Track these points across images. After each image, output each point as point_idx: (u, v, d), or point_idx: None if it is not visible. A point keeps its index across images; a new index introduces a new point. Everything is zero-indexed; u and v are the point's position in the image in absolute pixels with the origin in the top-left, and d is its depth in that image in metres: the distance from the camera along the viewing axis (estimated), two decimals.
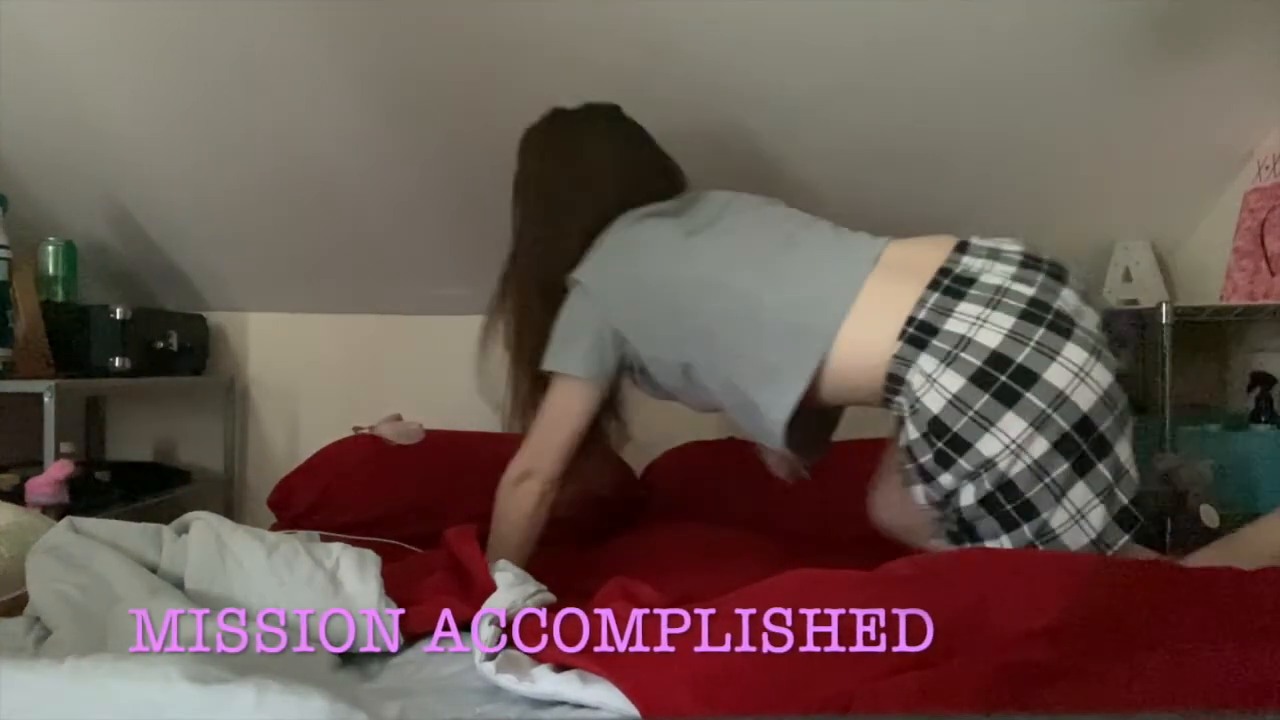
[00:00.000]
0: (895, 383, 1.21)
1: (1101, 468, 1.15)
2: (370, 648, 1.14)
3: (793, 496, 1.80)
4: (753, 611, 1.01)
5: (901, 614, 0.94)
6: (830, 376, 1.26)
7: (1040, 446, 1.13)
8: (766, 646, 0.92)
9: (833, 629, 0.93)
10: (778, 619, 0.98)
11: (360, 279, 2.39)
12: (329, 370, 2.50)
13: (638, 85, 1.79)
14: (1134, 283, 2.16)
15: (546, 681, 0.96)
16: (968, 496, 1.18)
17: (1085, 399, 1.13)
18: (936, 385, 1.16)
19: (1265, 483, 1.77)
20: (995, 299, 1.18)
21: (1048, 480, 1.14)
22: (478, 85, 1.83)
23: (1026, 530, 1.17)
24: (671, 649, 0.95)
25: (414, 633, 1.17)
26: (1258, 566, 1.05)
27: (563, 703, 0.96)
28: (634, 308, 1.41)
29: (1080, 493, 1.15)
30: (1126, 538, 1.16)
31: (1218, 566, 1.12)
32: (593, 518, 1.98)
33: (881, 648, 0.90)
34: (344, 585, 1.15)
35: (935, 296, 1.20)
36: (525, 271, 1.52)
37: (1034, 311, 1.16)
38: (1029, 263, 1.22)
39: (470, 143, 1.95)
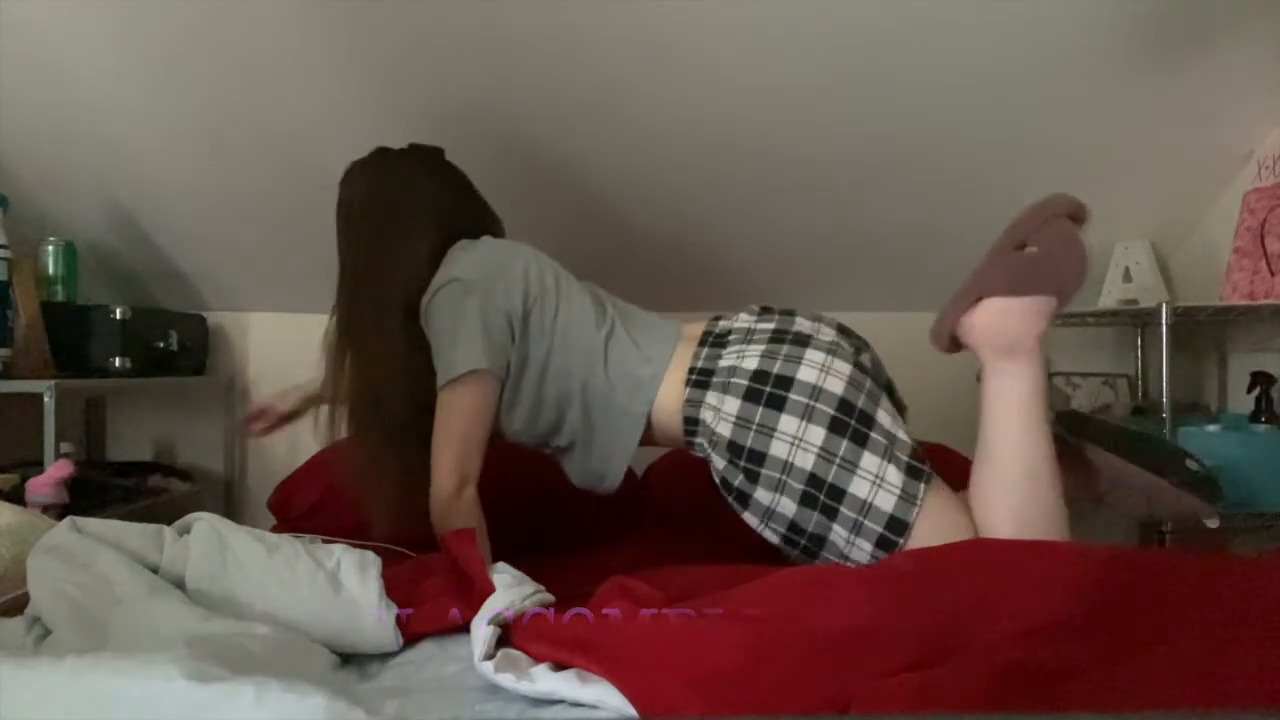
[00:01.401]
0: (691, 425, 1.40)
1: (875, 435, 1.30)
2: (370, 648, 1.14)
3: None
4: (752, 610, 1.01)
5: (902, 613, 0.94)
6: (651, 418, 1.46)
7: (817, 434, 1.29)
8: (766, 646, 0.92)
9: (832, 627, 0.93)
10: (778, 618, 0.98)
11: None
12: None
13: (638, 84, 1.80)
14: (1134, 283, 2.16)
15: (545, 680, 0.96)
16: (789, 506, 1.31)
17: (835, 385, 1.31)
18: (722, 413, 1.34)
19: (1265, 483, 1.77)
20: (746, 338, 1.40)
21: (838, 460, 1.28)
22: (477, 86, 1.83)
23: (846, 510, 1.28)
24: (670, 648, 0.95)
25: (414, 633, 1.17)
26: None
27: (561, 701, 0.96)
28: (513, 296, 1.47)
29: (869, 460, 1.28)
30: (924, 485, 1.28)
31: (1218, 565, 1.12)
32: (593, 518, 1.98)
33: (882, 647, 0.90)
34: (345, 586, 1.16)
35: (705, 350, 1.43)
36: (382, 290, 1.52)
37: (778, 335, 1.38)
38: (764, 311, 1.46)
39: (470, 143, 1.95)
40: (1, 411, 2.00)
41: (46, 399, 1.81)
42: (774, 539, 1.37)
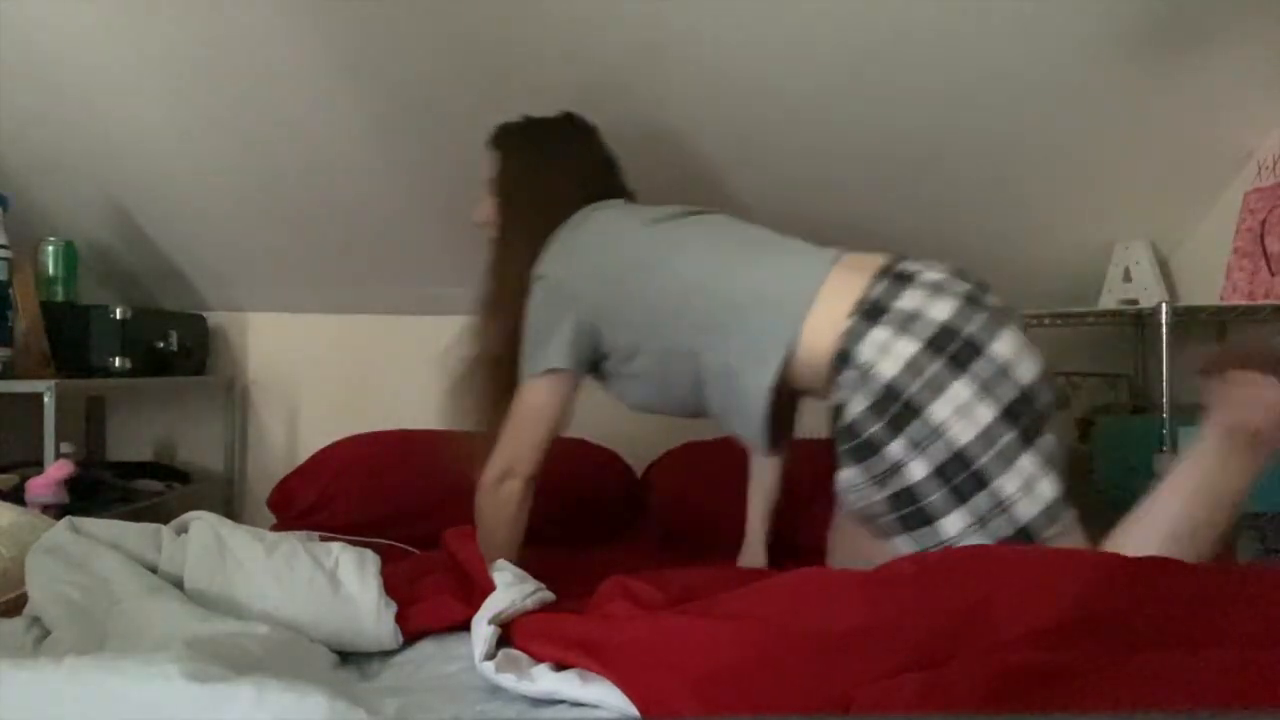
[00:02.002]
0: (842, 360, 1.26)
1: (1043, 441, 1.20)
2: (370, 647, 1.14)
3: (791, 497, 1.79)
4: (752, 611, 1.01)
5: (903, 614, 0.94)
6: (795, 358, 1.31)
7: (987, 413, 1.18)
8: (767, 646, 0.92)
9: (833, 628, 0.93)
10: (778, 618, 0.98)
11: (360, 279, 2.39)
12: (329, 370, 2.50)
13: (637, 84, 1.80)
14: (1134, 283, 2.16)
15: (546, 680, 0.96)
16: (919, 471, 1.20)
17: (1027, 373, 1.20)
18: (891, 352, 1.21)
19: (1264, 483, 1.77)
20: (936, 290, 1.26)
21: (997, 447, 1.18)
22: (477, 85, 1.83)
23: (980, 501, 1.18)
24: (672, 648, 0.95)
25: (413, 632, 1.17)
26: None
27: (562, 701, 0.96)
28: (605, 295, 1.43)
29: (1028, 462, 1.18)
30: (1070, 512, 1.20)
31: (1218, 566, 1.12)
32: (593, 518, 1.98)
33: (882, 648, 0.90)
34: (343, 585, 1.16)
35: (883, 284, 1.28)
36: (514, 268, 1.52)
37: (974, 300, 1.25)
38: (955, 270, 1.31)
39: (470, 143, 1.95)
40: (1, 411, 2.00)
41: (46, 399, 1.80)
42: (864, 501, 1.26)
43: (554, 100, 1.85)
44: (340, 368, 2.50)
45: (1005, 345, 1.20)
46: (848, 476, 1.27)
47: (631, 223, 1.49)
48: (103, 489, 2.11)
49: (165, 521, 1.26)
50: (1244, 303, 1.90)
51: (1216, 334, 2.18)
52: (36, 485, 1.72)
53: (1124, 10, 1.66)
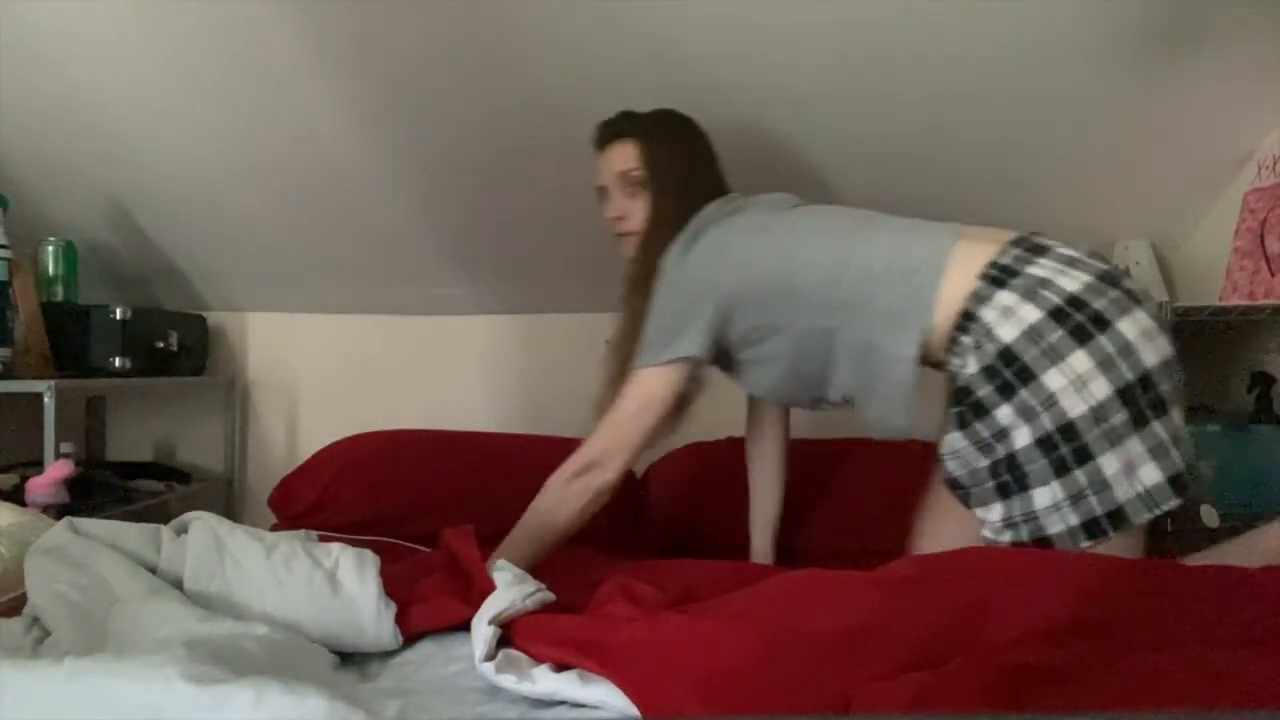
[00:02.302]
0: (966, 320, 1.26)
1: (1157, 426, 1.18)
2: (369, 648, 1.14)
3: (791, 497, 1.80)
4: (753, 611, 1.01)
5: (902, 614, 0.94)
6: (930, 326, 1.30)
7: (1103, 389, 1.16)
8: (768, 646, 0.92)
9: (834, 628, 0.93)
10: (779, 619, 0.98)
11: (360, 279, 2.39)
12: (329, 370, 2.50)
13: (638, 84, 1.79)
14: (1134, 283, 2.15)
15: (546, 681, 0.96)
16: (1024, 437, 1.19)
17: (1150, 357, 1.19)
18: (1014, 316, 1.21)
19: (1265, 483, 1.77)
20: (1070, 263, 1.26)
21: (1105, 426, 1.16)
22: (477, 86, 1.83)
23: (1080, 475, 1.17)
24: (672, 649, 0.95)
25: (413, 632, 1.17)
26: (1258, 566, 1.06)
27: (563, 702, 0.96)
28: (745, 280, 1.40)
29: (1135, 446, 1.17)
30: (1173, 502, 1.17)
31: (1218, 566, 1.12)
32: (592, 518, 1.98)
33: (882, 648, 0.90)
34: (343, 585, 1.15)
35: (1016, 251, 1.28)
36: (655, 256, 1.48)
37: (1108, 277, 1.24)
38: (1091, 251, 1.30)
39: (470, 143, 1.95)
40: (1, 411, 2.00)
41: (46, 399, 1.80)
42: (966, 468, 1.26)
43: (554, 100, 1.85)
44: (340, 368, 2.50)
45: (1132, 325, 1.19)
46: (952, 440, 1.27)
47: (761, 210, 1.48)
48: (103, 489, 2.11)
49: (165, 521, 1.26)
50: (1244, 303, 1.90)
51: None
52: (36, 485, 1.72)
53: (1124, 11, 1.65)
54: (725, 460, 2.05)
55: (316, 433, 2.35)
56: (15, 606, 1.18)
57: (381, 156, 2.00)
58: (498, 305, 2.44)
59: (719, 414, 2.29)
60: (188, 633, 0.97)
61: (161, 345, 2.21)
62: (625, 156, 1.56)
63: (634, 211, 1.55)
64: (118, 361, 2.06)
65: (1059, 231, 1.36)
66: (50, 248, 2.12)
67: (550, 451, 2.13)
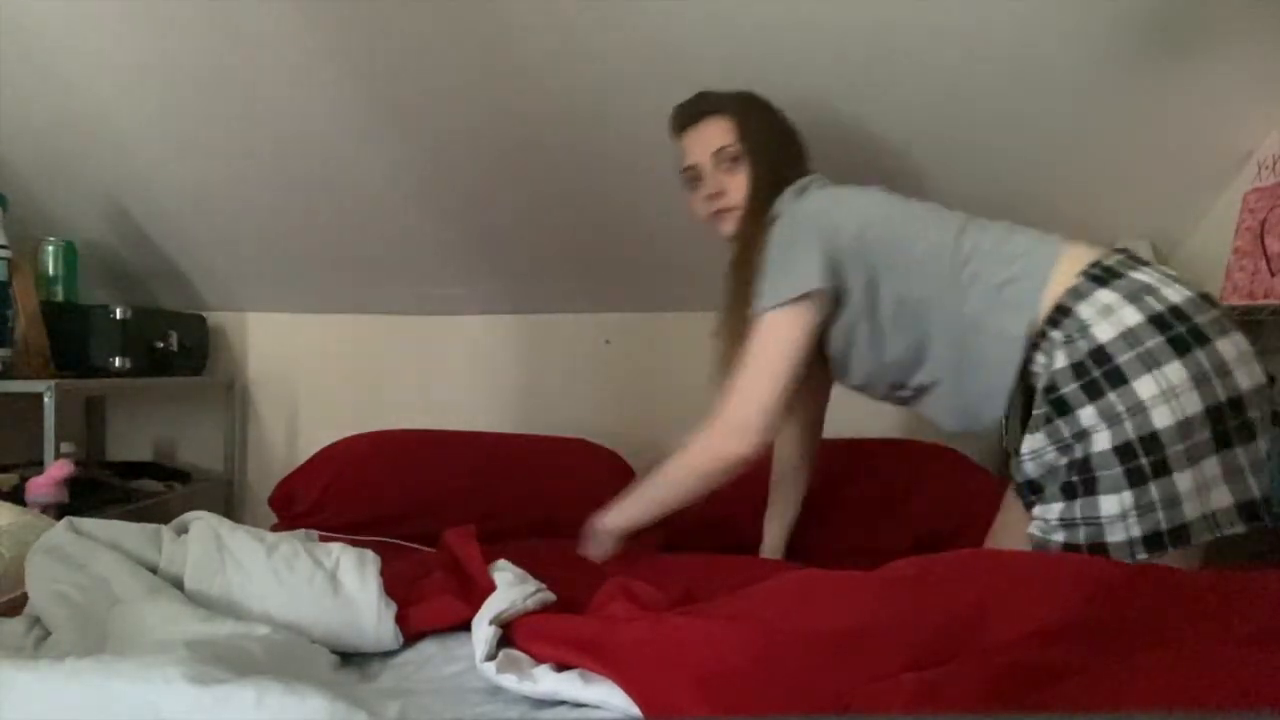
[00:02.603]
0: (1060, 314, 1.23)
1: (1239, 451, 1.15)
2: (370, 648, 1.14)
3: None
4: (754, 611, 1.01)
5: (903, 615, 0.94)
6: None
7: (1194, 405, 1.14)
8: (769, 646, 0.92)
9: (834, 628, 0.93)
10: (779, 619, 0.98)
11: (360, 279, 2.39)
12: (329, 370, 2.50)
13: (639, 83, 1.79)
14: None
15: (547, 681, 0.96)
16: (1102, 442, 1.17)
17: (1245, 381, 1.16)
18: (1113, 316, 1.19)
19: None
20: (1172, 278, 1.24)
21: (1189, 442, 1.14)
22: (477, 86, 1.83)
23: (1154, 488, 1.15)
24: (673, 649, 0.95)
25: (414, 632, 1.17)
26: None
27: (563, 702, 0.96)
28: (854, 221, 1.36)
29: (1212, 466, 1.15)
30: (1239, 527, 1.15)
31: (1215, 568, 1.12)
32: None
33: (883, 648, 0.90)
34: (344, 585, 1.15)
35: (1119, 257, 1.27)
36: (760, 227, 1.44)
37: (1207, 298, 1.22)
38: (1184, 277, 1.28)
39: (470, 143, 1.95)
40: (1, 411, 2.00)
41: (46, 399, 1.80)
42: (1042, 470, 1.24)
43: (555, 101, 1.85)
44: (340, 368, 2.50)
45: (1231, 347, 1.17)
46: (1034, 440, 1.24)
47: (859, 185, 1.46)
48: (103, 489, 2.11)
49: (165, 521, 1.26)
50: (1244, 303, 1.90)
51: None
52: (36, 485, 1.72)
53: (1124, 11, 1.66)
54: None
55: (316, 433, 2.35)
56: (15, 606, 1.18)
57: (381, 156, 2.00)
58: (498, 305, 2.44)
59: None
60: (188, 633, 0.97)
61: (161, 345, 2.21)
62: (719, 132, 1.52)
63: (733, 187, 1.50)
64: (118, 361, 2.06)
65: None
66: (50, 248, 2.12)
67: (550, 451, 2.14)
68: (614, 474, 2.12)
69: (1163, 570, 1.08)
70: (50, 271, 2.12)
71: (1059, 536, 1.20)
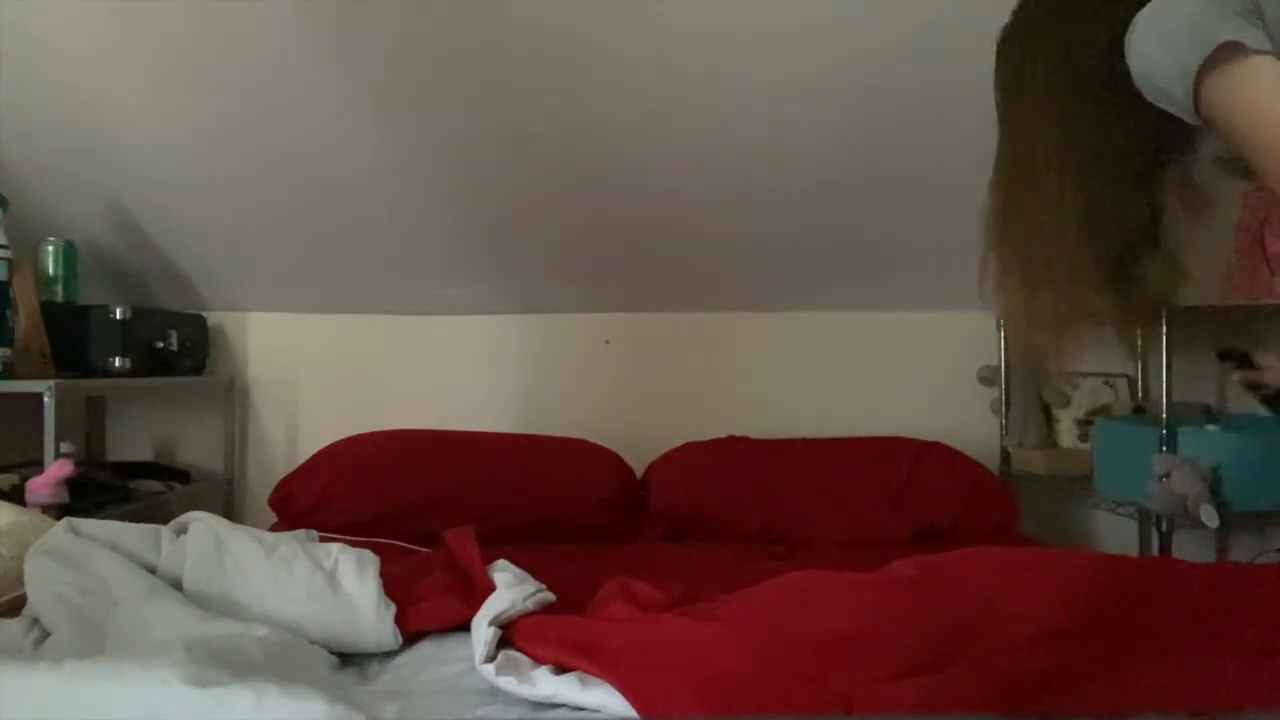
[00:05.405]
0: None
1: None
2: (369, 648, 1.14)
3: (792, 496, 1.80)
4: (754, 613, 1.01)
5: (904, 617, 0.94)
6: None
7: None
8: (768, 649, 0.92)
9: (834, 631, 0.93)
10: (779, 621, 0.98)
11: (360, 279, 2.39)
12: (329, 370, 2.50)
13: (640, 82, 1.79)
14: None
15: (546, 684, 0.96)
16: None
17: None
18: None
19: (1265, 483, 1.77)
20: None
21: None
22: (476, 86, 1.83)
23: None
24: (673, 651, 0.95)
25: (413, 633, 1.17)
26: None
27: (562, 705, 0.96)
28: None
29: None
30: None
31: (1215, 565, 1.12)
32: (593, 518, 1.98)
33: (884, 651, 0.90)
34: (343, 585, 1.15)
35: None
36: None
37: None
38: None
39: (470, 144, 1.95)
40: (1, 411, 1.99)
41: (46, 399, 1.80)
42: None
43: (555, 101, 1.85)
44: (340, 368, 2.49)
45: None
46: None
47: None
48: (103, 489, 2.11)
49: (165, 521, 1.26)
50: (1244, 303, 1.90)
51: None
52: (36, 485, 1.72)
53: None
54: (724, 460, 2.05)
55: (316, 433, 2.35)
56: (15, 607, 1.18)
57: (382, 156, 2.00)
58: (498, 305, 2.44)
59: (719, 415, 2.31)
60: (187, 633, 0.97)
61: (161, 345, 2.21)
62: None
63: None
64: (118, 361, 2.06)
65: None
66: (50, 248, 2.12)
67: (550, 451, 2.14)
68: (614, 474, 2.13)
69: (1164, 568, 1.08)
70: (50, 272, 2.11)
71: None
